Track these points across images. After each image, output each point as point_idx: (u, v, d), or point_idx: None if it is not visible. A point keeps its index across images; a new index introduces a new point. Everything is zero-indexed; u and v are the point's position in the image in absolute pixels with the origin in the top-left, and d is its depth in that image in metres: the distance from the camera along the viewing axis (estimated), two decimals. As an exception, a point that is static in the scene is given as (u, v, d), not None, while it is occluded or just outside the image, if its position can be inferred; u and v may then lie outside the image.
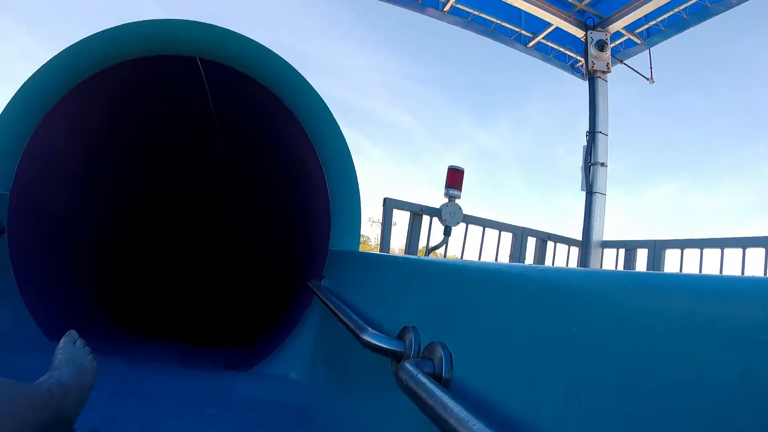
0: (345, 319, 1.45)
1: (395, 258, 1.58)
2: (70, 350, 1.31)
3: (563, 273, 0.83)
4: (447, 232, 4.02)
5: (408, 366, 0.93)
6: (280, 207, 3.91)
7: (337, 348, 2.07)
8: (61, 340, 1.35)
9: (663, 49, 6.37)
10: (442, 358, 0.97)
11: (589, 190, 5.20)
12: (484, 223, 4.37)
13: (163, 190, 4.31)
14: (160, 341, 3.22)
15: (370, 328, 1.25)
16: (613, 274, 0.72)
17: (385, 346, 1.16)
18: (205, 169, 4.24)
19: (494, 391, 0.83)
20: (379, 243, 4.24)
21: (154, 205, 4.33)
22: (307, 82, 2.69)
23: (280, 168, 3.53)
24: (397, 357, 1.15)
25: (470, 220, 4.26)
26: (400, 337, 1.20)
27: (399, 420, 1.17)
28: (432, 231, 4.04)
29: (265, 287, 4.40)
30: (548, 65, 6.71)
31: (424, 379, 0.87)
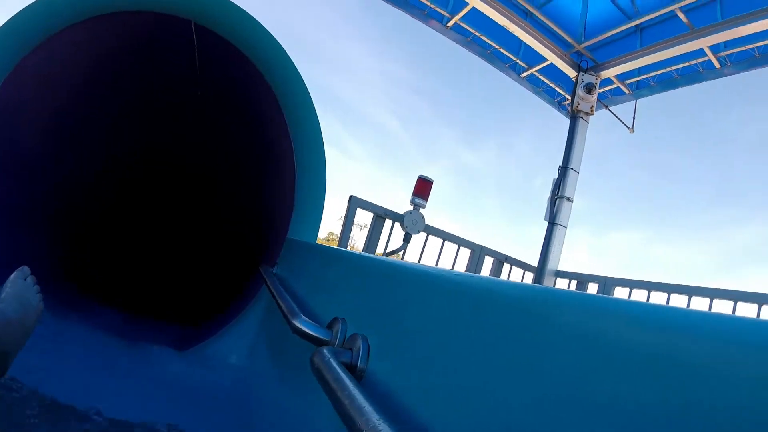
0: (282, 305, 1.47)
1: (341, 252, 1.60)
2: (19, 285, 1.29)
3: (483, 281, 0.86)
4: (407, 239, 4.06)
5: (324, 352, 0.95)
6: (248, 189, 3.86)
7: (279, 335, 2.07)
8: (13, 274, 1.33)
9: (651, 104, 6.58)
10: (360, 349, 1.00)
11: (552, 220, 5.35)
12: (445, 236, 4.43)
13: (140, 155, 4.23)
14: (108, 306, 3.13)
15: (302, 315, 1.27)
16: (530, 288, 0.75)
17: (311, 333, 1.18)
18: (181, 139, 4.18)
19: (405, 386, 0.85)
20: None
21: (127, 169, 4.24)
22: (299, 75, 2.67)
23: (254, 148, 3.49)
24: (323, 345, 1.17)
25: (431, 230, 4.32)
26: (330, 326, 1.22)
27: (324, 411, 1.18)
28: (393, 235, 4.07)
29: (222, 267, 4.35)
30: (539, 99, 6.85)
31: (335, 366, 0.89)
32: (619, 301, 0.59)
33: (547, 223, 5.37)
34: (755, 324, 0.42)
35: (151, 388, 1.87)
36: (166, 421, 1.61)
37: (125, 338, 2.48)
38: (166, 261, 4.73)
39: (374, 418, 0.69)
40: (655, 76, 5.97)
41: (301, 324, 1.21)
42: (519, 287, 0.76)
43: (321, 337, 1.17)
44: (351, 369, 0.97)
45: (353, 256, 1.47)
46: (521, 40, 5.80)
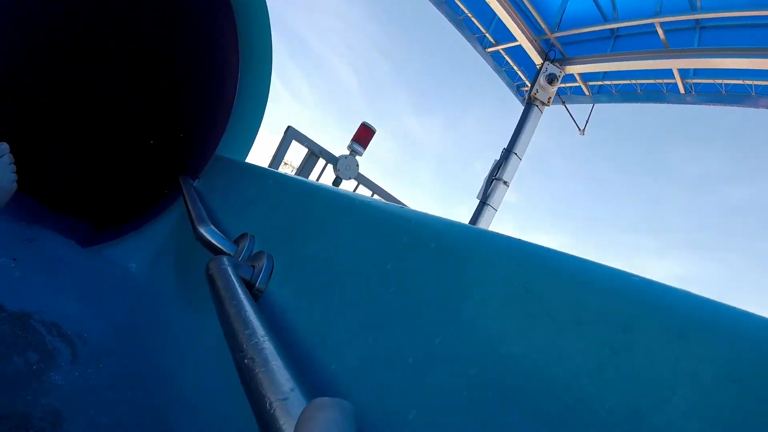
0: (191, 212, 1.36)
1: (264, 170, 1.50)
2: None
3: (403, 211, 0.79)
4: (336, 183, 3.94)
5: (223, 260, 0.87)
6: (187, 94, 3.62)
7: (187, 248, 1.97)
8: None
9: (605, 115, 6.73)
10: (263, 268, 0.93)
11: (484, 200, 5.43)
12: (375, 189, 4.35)
13: (61, 34, 3.80)
14: (22, 197, 2.89)
15: (210, 224, 1.18)
16: (448, 222, 0.68)
17: (216, 243, 1.09)
18: (107, 19, 3.79)
19: (301, 311, 0.79)
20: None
21: (50, 52, 3.81)
22: None
23: (197, 56, 3.26)
24: (226, 258, 1.09)
25: (363, 180, 4.24)
26: (237, 241, 1.14)
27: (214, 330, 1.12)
28: (322, 178, 3.95)
29: (143, 174, 4.09)
30: (498, 80, 6.85)
31: (232, 277, 0.82)
32: (540, 248, 0.54)
33: (478, 201, 5.44)
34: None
35: (53, 282, 1.75)
36: (65, 312, 1.50)
37: (31, 229, 2.33)
38: (84, 159, 4.38)
39: (260, 334, 0.63)
40: (619, 85, 6.11)
41: (207, 232, 1.12)
42: (437, 220, 0.70)
43: (225, 249, 1.08)
44: (249, 286, 0.90)
45: (276, 175, 1.38)
46: (495, 14, 5.71)
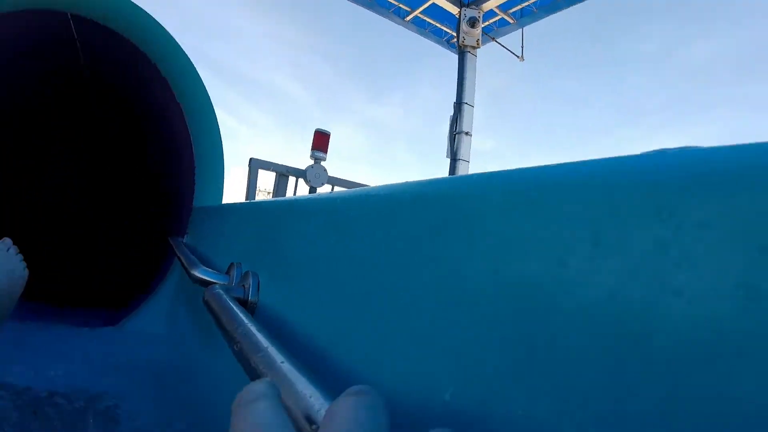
0: (184, 262, 1.53)
1: (238, 204, 1.66)
2: (2, 257, 1.32)
3: (355, 194, 0.85)
4: (312, 192, 4.12)
5: (216, 287, 1.04)
6: (150, 172, 3.83)
7: (194, 300, 2.13)
8: None
9: (540, 32, 6.83)
10: (251, 285, 1.10)
11: (453, 157, 5.59)
12: (349, 185, 4.50)
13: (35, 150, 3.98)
14: (33, 300, 3.04)
15: (201, 265, 1.35)
16: (413, 185, 0.70)
17: (209, 279, 1.26)
18: (73, 131, 4.00)
19: (294, 315, 0.91)
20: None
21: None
22: (179, 46, 2.64)
23: (149, 134, 3.47)
24: (224, 291, 1.25)
25: (335, 181, 4.40)
26: (228, 272, 1.31)
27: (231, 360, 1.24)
28: (298, 191, 4.14)
29: (137, 250, 4.28)
30: (431, 43, 6.97)
31: (226, 299, 0.98)
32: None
33: (449, 160, 5.61)
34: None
35: (81, 365, 1.91)
36: (97, 390, 1.67)
37: (54, 325, 2.49)
38: (81, 253, 4.57)
39: (265, 345, 0.69)
40: (536, 1, 6.22)
41: (200, 272, 1.29)
42: (402, 188, 0.71)
43: (218, 281, 1.25)
44: (243, 303, 1.06)
45: (250, 205, 1.54)
46: (397, -18, 5.83)
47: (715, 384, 0.24)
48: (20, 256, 1.39)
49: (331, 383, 0.58)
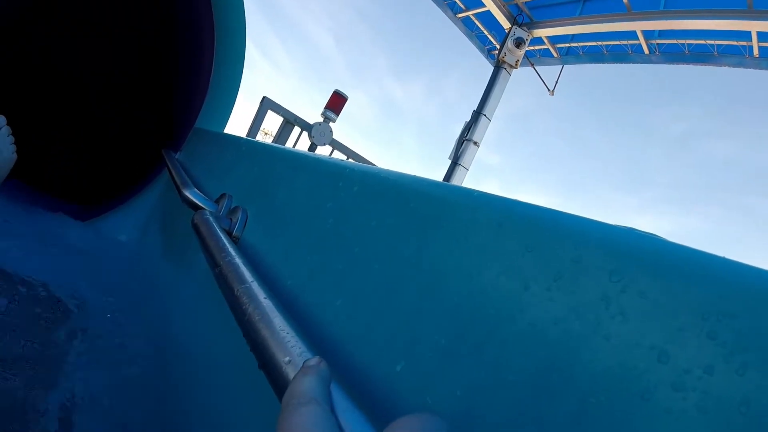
0: (176, 179, 1.57)
1: (239, 139, 1.70)
2: None
3: (340, 165, 0.97)
4: (312, 149, 4.16)
5: (206, 213, 1.09)
6: (166, 69, 3.75)
7: (174, 214, 2.16)
8: None
9: (577, 73, 6.88)
10: (239, 219, 1.15)
11: (455, 160, 5.67)
12: (349, 153, 4.57)
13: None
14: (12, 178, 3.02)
15: (193, 187, 1.39)
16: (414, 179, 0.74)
17: (200, 203, 1.31)
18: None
19: (273, 258, 0.96)
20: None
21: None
22: None
23: (172, 37, 3.39)
24: (210, 217, 1.30)
25: (337, 145, 4.44)
26: (217, 201, 1.36)
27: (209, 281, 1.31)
28: (299, 145, 4.17)
29: (126, 151, 4.24)
30: (471, 46, 6.99)
31: (214, 226, 1.04)
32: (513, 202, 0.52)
33: (450, 162, 5.68)
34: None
35: (53, 254, 1.92)
36: (65, 284, 1.67)
37: (27, 209, 2.48)
38: (69, 140, 4.51)
39: (242, 270, 0.78)
40: (586, 46, 6.30)
41: (191, 194, 1.33)
42: (403, 177, 0.74)
43: (207, 207, 1.29)
44: (228, 234, 1.12)
45: (250, 143, 1.58)
46: (466, -21, 5.85)
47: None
48: (11, 138, 1.34)
49: (306, 328, 0.65)
